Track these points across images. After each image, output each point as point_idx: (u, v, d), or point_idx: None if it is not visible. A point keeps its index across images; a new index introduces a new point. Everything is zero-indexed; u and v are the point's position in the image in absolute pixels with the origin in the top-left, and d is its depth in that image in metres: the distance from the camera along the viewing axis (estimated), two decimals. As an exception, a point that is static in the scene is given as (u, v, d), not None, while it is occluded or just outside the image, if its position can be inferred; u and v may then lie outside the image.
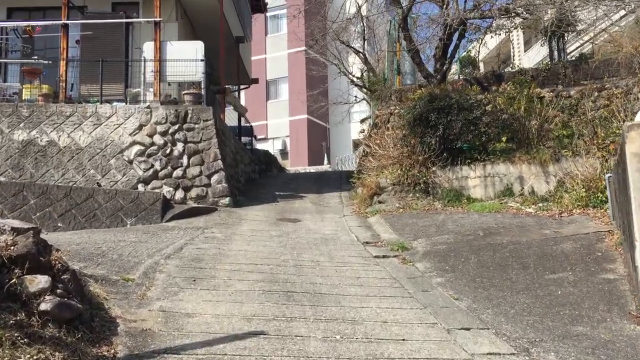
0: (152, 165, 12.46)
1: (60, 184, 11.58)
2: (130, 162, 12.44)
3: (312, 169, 30.45)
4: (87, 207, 10.82)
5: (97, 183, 12.18)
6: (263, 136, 36.54)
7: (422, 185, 11.97)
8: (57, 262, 4.48)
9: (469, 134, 11.86)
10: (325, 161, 35.45)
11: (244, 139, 19.37)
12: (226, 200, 12.41)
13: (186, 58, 13.10)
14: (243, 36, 17.93)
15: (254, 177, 17.99)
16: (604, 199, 9.73)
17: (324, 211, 12.60)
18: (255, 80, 21.44)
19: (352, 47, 24.66)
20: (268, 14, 38.41)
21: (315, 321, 5.14)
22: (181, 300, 5.66)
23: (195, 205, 11.91)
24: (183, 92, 13.21)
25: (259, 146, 30.06)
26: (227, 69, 18.07)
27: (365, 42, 25.07)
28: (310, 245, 8.91)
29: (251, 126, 21.00)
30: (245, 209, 12.35)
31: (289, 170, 27.52)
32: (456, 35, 14.48)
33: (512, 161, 11.59)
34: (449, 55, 14.76)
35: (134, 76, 13.93)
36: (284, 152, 36.43)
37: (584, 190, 10.02)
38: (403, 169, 12.13)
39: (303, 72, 35.86)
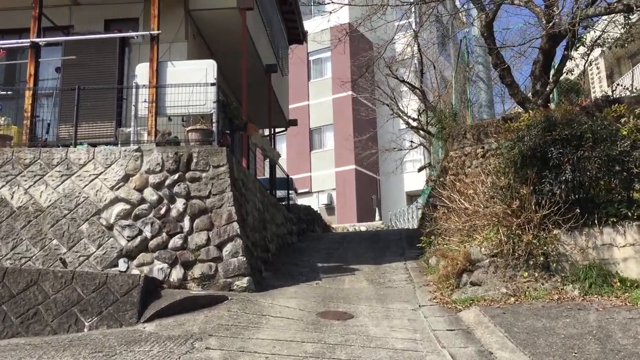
0: (141, 232, 8.72)
1: (-1, 263, 7.94)
2: (110, 227, 8.75)
3: (363, 226, 26.36)
4: (26, 301, 7.07)
5: (61, 259, 8.50)
6: (306, 190, 32.87)
7: (540, 257, 7.77)
8: None
9: (612, 178, 7.68)
10: (377, 217, 31.31)
11: (279, 194, 15.63)
12: (244, 281, 8.48)
13: (193, 82, 9.54)
14: (275, 64, 14.39)
15: (291, 241, 14.08)
16: None
17: (387, 297, 8.48)
18: (294, 122, 17.82)
19: (407, 83, 20.93)
20: (310, 58, 35.61)
21: None
22: None
23: (195, 292, 8.00)
24: (187, 129, 9.57)
25: (302, 201, 26.30)
26: (256, 105, 14.54)
27: (423, 76, 21.35)
28: (375, 383, 4.83)
29: (288, 177, 17.27)
30: (271, 295, 8.36)
31: (336, 229, 23.53)
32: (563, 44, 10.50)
33: (688, 220, 7.31)
34: (553, 71, 10.73)
35: (129, 110, 10.46)
36: (330, 207, 32.54)
37: None
38: (508, 233, 7.99)
39: (350, 117, 32.34)
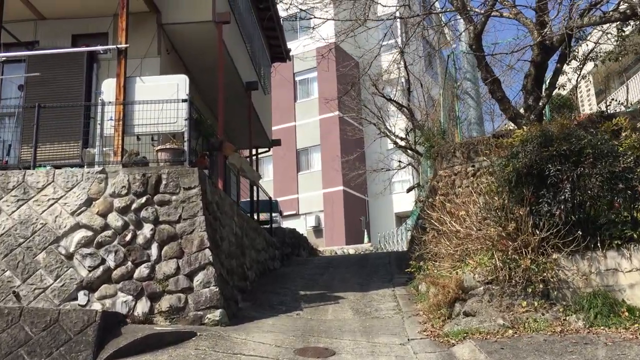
0: (103, 261, 7.98)
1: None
2: (70, 256, 7.99)
3: (351, 248, 25.59)
4: (-35, 342, 6.30)
5: (14, 292, 7.73)
6: (294, 212, 32.14)
7: (539, 285, 7.11)
8: None
9: (615, 196, 7.07)
10: (366, 239, 30.57)
11: (263, 217, 14.93)
12: (216, 314, 7.74)
13: (163, 99, 8.89)
14: (256, 81, 13.77)
15: (273, 267, 13.34)
16: None
17: (373, 329, 7.75)
18: (277, 142, 17.17)
19: (394, 101, 20.43)
20: (297, 79, 35.15)
21: None
22: None
23: (160, 328, 7.22)
24: (156, 148, 8.90)
25: (289, 224, 25.55)
26: (236, 125, 13.90)
27: (410, 94, 20.90)
28: None
29: (271, 199, 16.54)
30: (245, 329, 7.61)
31: (323, 252, 22.76)
32: (556, 57, 10.00)
33: (699, 241, 6.69)
34: (546, 85, 10.20)
35: (97, 129, 9.74)
36: (317, 230, 31.78)
37: None
38: (503, 258, 7.33)
39: (337, 137, 31.78)
